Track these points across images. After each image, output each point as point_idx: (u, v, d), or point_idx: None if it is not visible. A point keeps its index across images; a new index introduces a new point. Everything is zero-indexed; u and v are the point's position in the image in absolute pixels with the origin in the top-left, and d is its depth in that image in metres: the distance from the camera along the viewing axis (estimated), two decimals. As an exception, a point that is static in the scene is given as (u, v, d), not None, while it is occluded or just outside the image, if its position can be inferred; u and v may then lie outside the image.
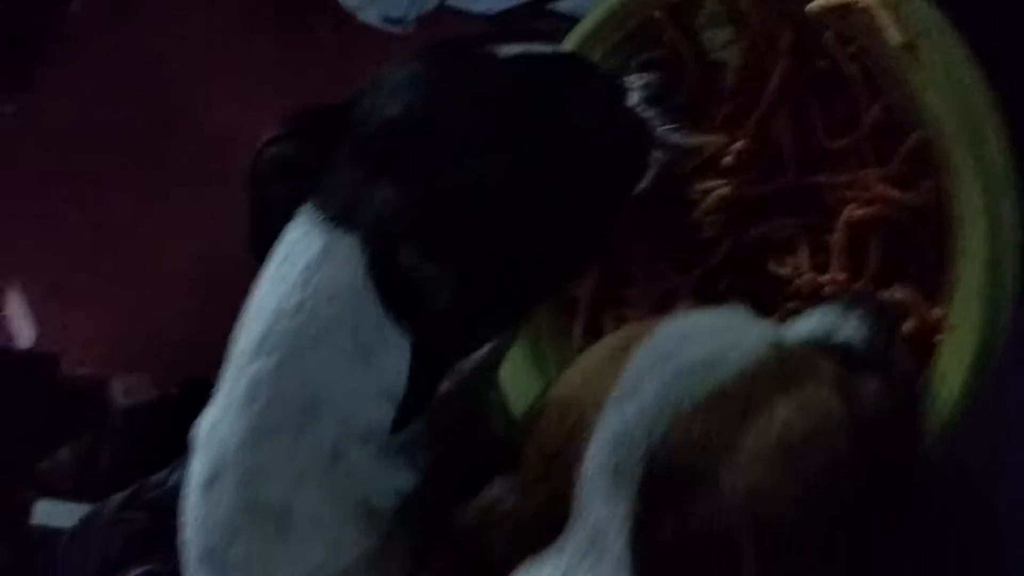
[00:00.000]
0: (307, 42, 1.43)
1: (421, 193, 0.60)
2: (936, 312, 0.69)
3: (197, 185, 1.42)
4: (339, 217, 0.61)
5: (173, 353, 1.36)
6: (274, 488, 0.60)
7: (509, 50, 0.66)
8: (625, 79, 0.74)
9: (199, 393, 1.32)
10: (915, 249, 0.71)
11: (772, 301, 0.74)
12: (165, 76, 1.45)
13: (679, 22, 0.79)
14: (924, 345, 0.69)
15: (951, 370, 0.65)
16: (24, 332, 1.55)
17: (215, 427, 0.62)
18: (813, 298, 0.73)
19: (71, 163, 1.49)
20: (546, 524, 0.53)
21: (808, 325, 0.59)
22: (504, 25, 1.32)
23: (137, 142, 1.47)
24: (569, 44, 0.83)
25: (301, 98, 1.40)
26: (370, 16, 1.22)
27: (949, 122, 0.67)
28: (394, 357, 0.59)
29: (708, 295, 0.77)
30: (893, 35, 0.67)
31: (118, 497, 1.08)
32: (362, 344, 0.60)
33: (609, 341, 0.59)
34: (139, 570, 1.00)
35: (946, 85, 0.66)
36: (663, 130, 0.72)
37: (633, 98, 0.72)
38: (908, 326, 0.70)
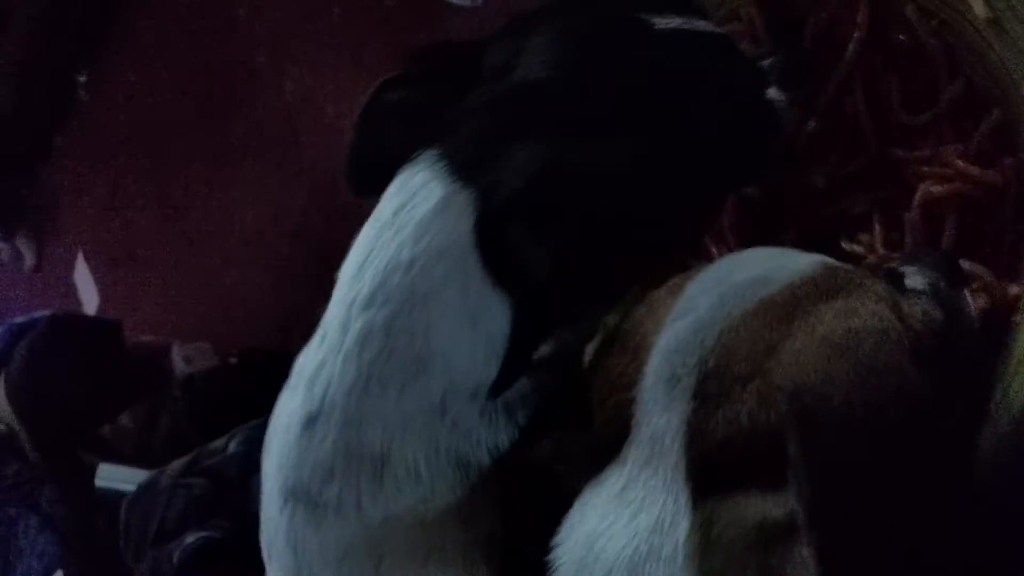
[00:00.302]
0: (376, 12, 1.43)
1: (545, 165, 0.59)
2: (1013, 289, 0.68)
3: (266, 153, 1.43)
4: (463, 169, 0.60)
5: (234, 323, 1.38)
6: (376, 434, 0.60)
7: (664, 23, 0.64)
8: (765, 62, 0.71)
9: (257, 364, 1.34)
10: (993, 227, 0.70)
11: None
12: (235, 43, 1.45)
13: (756, -4, 0.78)
14: (998, 322, 0.68)
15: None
16: (90, 298, 1.57)
17: (321, 368, 0.62)
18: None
19: (141, 131, 1.50)
20: (613, 444, 0.55)
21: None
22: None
23: (207, 110, 1.48)
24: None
25: (369, 68, 1.41)
26: (442, -10, 1.21)
27: (1034, 98, 0.65)
28: (499, 321, 0.60)
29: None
30: (979, 9, 0.66)
31: (178, 463, 1.09)
32: (470, 306, 0.60)
33: (672, 279, 0.60)
34: (197, 535, 1.02)
35: (1032, 60, 0.65)
36: (788, 102, 0.70)
37: (773, 92, 0.69)
38: (981, 301, 0.70)
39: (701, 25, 0.67)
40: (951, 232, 0.71)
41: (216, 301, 1.42)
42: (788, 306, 0.53)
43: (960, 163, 0.70)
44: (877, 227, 0.74)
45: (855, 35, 0.74)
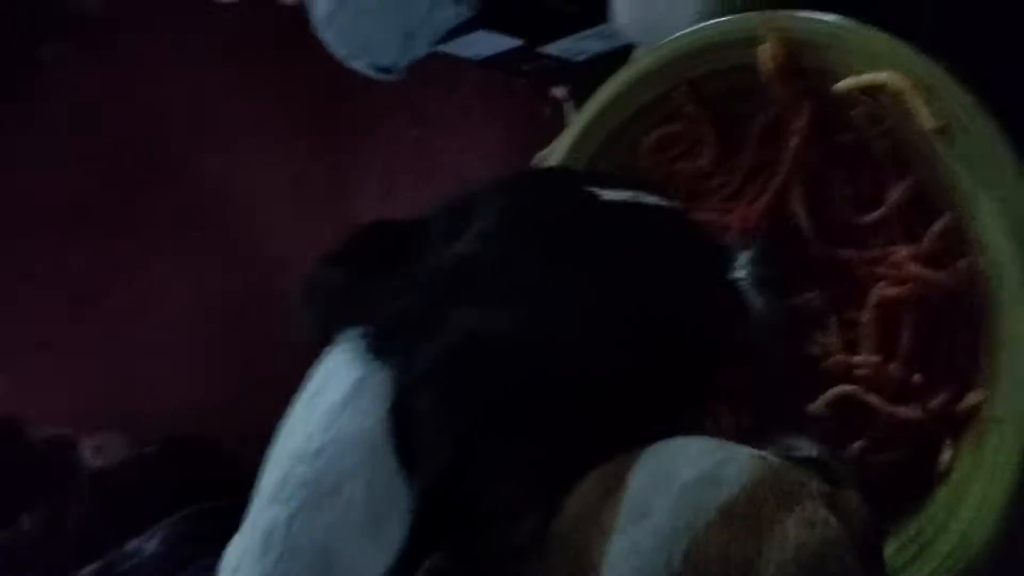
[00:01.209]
0: (292, 86, 1.41)
1: (466, 334, 0.54)
2: (972, 397, 0.68)
3: (188, 233, 1.39)
4: (382, 347, 0.56)
5: (155, 413, 1.33)
6: None
7: (613, 195, 0.62)
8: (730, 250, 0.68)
9: (176, 453, 1.29)
10: (948, 331, 0.70)
11: (803, 385, 0.73)
12: (151, 119, 1.41)
13: (699, 95, 0.77)
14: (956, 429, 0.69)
15: (999, 467, 0.64)
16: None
17: (236, 572, 0.57)
18: (845, 379, 0.72)
19: (50, 209, 1.45)
20: None
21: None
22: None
23: (121, 186, 1.43)
24: (585, 115, 0.82)
25: (292, 144, 1.39)
26: (360, 65, 1.19)
27: (985, 207, 0.66)
28: (404, 522, 0.53)
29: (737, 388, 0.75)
30: (926, 119, 0.66)
31: (88, 570, 1.04)
32: (374, 503, 0.54)
33: (595, 478, 0.55)
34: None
35: (981, 171, 0.65)
36: (763, 310, 0.66)
37: (738, 274, 0.67)
38: (935, 405, 0.70)
39: (656, 200, 0.65)
40: (908, 335, 0.71)
41: (135, 390, 1.37)
42: (749, 517, 0.50)
43: (914, 265, 0.70)
44: (834, 327, 0.74)
45: (794, 134, 0.74)
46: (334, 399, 0.55)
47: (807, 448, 0.61)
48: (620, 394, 0.58)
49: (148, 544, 1.04)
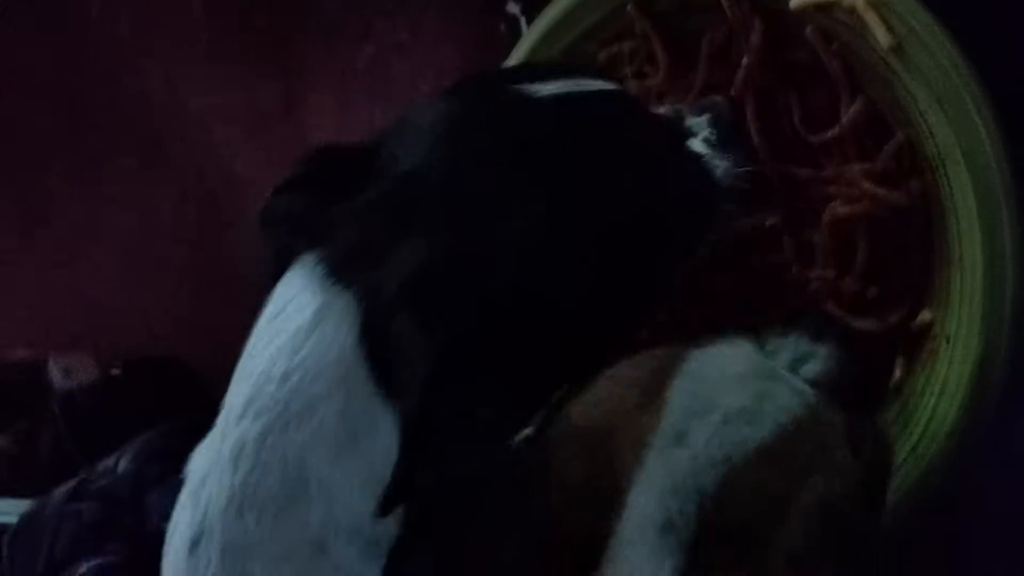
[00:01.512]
0: (239, 3, 1.37)
1: (430, 254, 0.54)
2: (926, 315, 0.69)
3: (130, 154, 1.36)
4: (341, 272, 0.55)
5: (114, 331, 1.31)
6: (257, 566, 0.55)
7: (548, 88, 0.60)
8: (687, 120, 0.66)
9: (143, 373, 1.28)
10: (902, 248, 0.70)
11: (759, 298, 0.73)
12: (89, 42, 1.37)
13: (650, 12, 0.76)
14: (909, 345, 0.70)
15: (950, 385, 0.65)
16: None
17: (204, 481, 0.57)
18: (801, 294, 0.73)
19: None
20: (570, 568, 0.51)
21: (788, 353, 0.59)
22: None
23: (61, 111, 1.39)
24: (534, 34, 0.80)
25: (233, 59, 1.35)
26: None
27: (939, 126, 0.65)
28: (384, 443, 0.54)
29: (694, 295, 0.75)
30: (881, 36, 0.65)
31: (63, 488, 1.04)
32: (350, 425, 0.54)
33: (630, 372, 0.56)
34: (91, 563, 0.97)
35: (936, 88, 0.65)
36: (728, 172, 0.65)
37: (696, 145, 0.65)
38: (892, 320, 0.71)
39: (591, 85, 0.63)
40: (863, 252, 0.71)
41: (92, 310, 1.34)
42: (785, 461, 0.51)
43: (867, 183, 0.70)
44: (790, 245, 0.74)
45: (747, 53, 0.72)
46: (298, 324, 0.55)
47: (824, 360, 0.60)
48: (594, 295, 0.58)
49: (120, 462, 1.04)
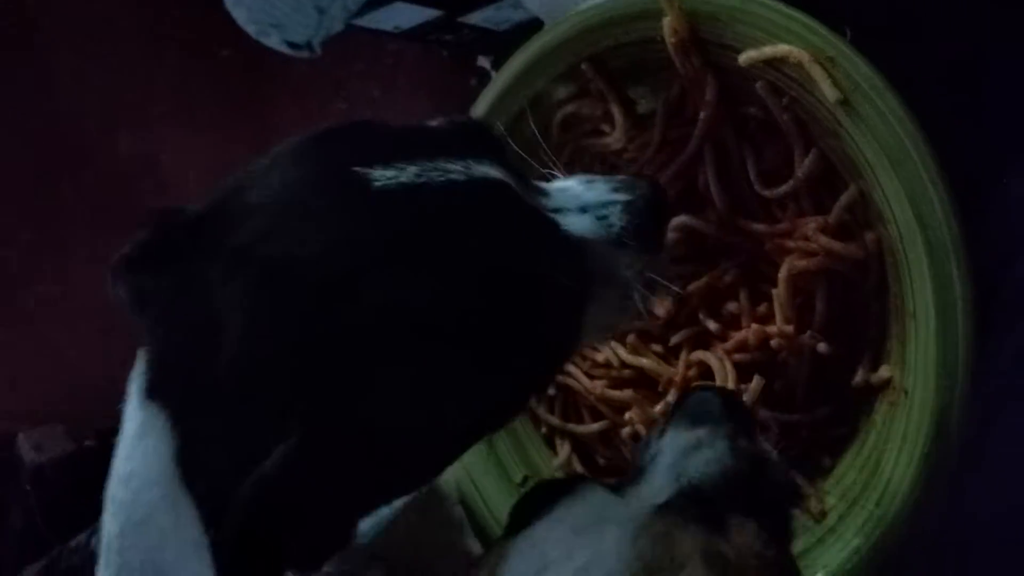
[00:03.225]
0: (210, 62, 1.37)
1: (245, 370, 0.50)
2: (884, 371, 0.68)
3: (104, 216, 1.36)
4: (155, 390, 0.52)
5: (88, 401, 1.30)
6: None
7: (400, 175, 0.52)
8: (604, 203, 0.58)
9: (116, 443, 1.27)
10: (860, 302, 0.70)
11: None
12: (59, 102, 1.37)
13: (605, 70, 0.76)
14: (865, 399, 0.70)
15: (909, 439, 0.64)
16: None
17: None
18: (761, 349, 0.72)
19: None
20: None
21: (666, 458, 0.55)
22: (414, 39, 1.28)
23: (32, 174, 1.39)
24: (491, 92, 0.81)
25: (206, 120, 1.35)
26: (272, 42, 1.16)
27: (887, 178, 0.65)
28: (207, 563, 0.50)
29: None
30: (828, 90, 0.65)
31: (33, 568, 1.02)
32: (189, 538, 0.51)
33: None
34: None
35: (883, 141, 0.65)
36: (640, 272, 0.58)
37: (604, 220, 0.58)
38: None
39: (455, 170, 0.54)
40: (821, 306, 0.70)
41: (65, 379, 1.34)
42: None
43: (822, 237, 0.70)
44: (745, 301, 0.74)
45: (704, 108, 0.73)
46: (131, 431, 0.53)
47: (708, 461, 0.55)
48: (424, 421, 0.53)
49: (93, 539, 1.03)
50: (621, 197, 0.58)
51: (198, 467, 0.51)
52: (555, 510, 0.53)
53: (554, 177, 0.62)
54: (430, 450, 0.55)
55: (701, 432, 0.55)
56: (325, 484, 0.50)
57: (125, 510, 0.53)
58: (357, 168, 0.53)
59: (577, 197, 0.59)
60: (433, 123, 0.60)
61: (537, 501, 0.54)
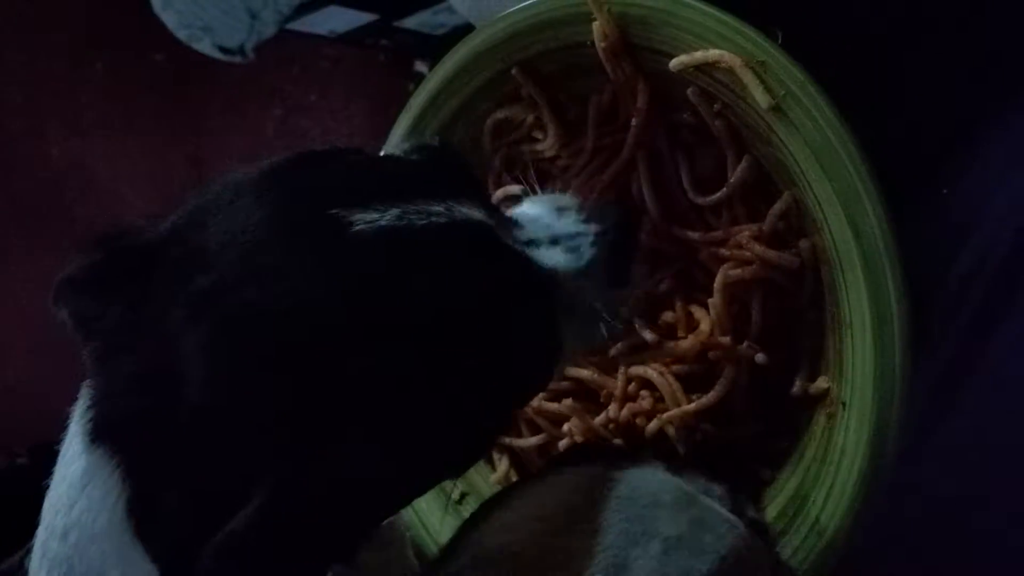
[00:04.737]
0: (143, 67, 1.34)
1: (202, 412, 0.47)
2: (822, 382, 0.67)
3: (36, 227, 1.33)
4: (103, 434, 0.49)
5: (18, 418, 1.27)
6: None
7: (378, 219, 0.49)
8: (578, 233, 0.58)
9: (52, 459, 1.24)
10: (796, 311, 0.68)
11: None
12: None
13: (536, 76, 0.74)
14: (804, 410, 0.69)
15: (848, 452, 0.63)
16: None
17: None
18: (699, 360, 0.71)
19: None
20: None
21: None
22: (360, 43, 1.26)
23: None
24: (420, 98, 0.79)
25: (141, 125, 1.33)
26: (204, 47, 1.14)
27: (820, 184, 0.63)
28: None
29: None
30: (760, 96, 0.64)
31: (-36, 592, 0.99)
32: None
33: (549, 493, 0.53)
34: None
35: (815, 148, 0.63)
36: (610, 307, 0.58)
37: (575, 251, 0.57)
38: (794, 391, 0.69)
39: (435, 216, 0.52)
40: (757, 315, 0.69)
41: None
42: None
43: (757, 246, 0.68)
44: (679, 309, 0.72)
45: (636, 115, 0.71)
46: (71, 477, 0.49)
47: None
48: (405, 450, 0.50)
49: (27, 560, 0.99)
50: (592, 228, 0.58)
51: (154, 521, 0.48)
52: (647, 467, 0.54)
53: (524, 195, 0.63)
54: (398, 494, 0.53)
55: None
56: (295, 540, 0.47)
57: (63, 565, 0.50)
58: (335, 210, 0.49)
59: (548, 227, 0.58)
60: (406, 148, 0.58)
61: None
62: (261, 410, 0.47)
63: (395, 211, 0.50)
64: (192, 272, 0.49)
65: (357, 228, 0.49)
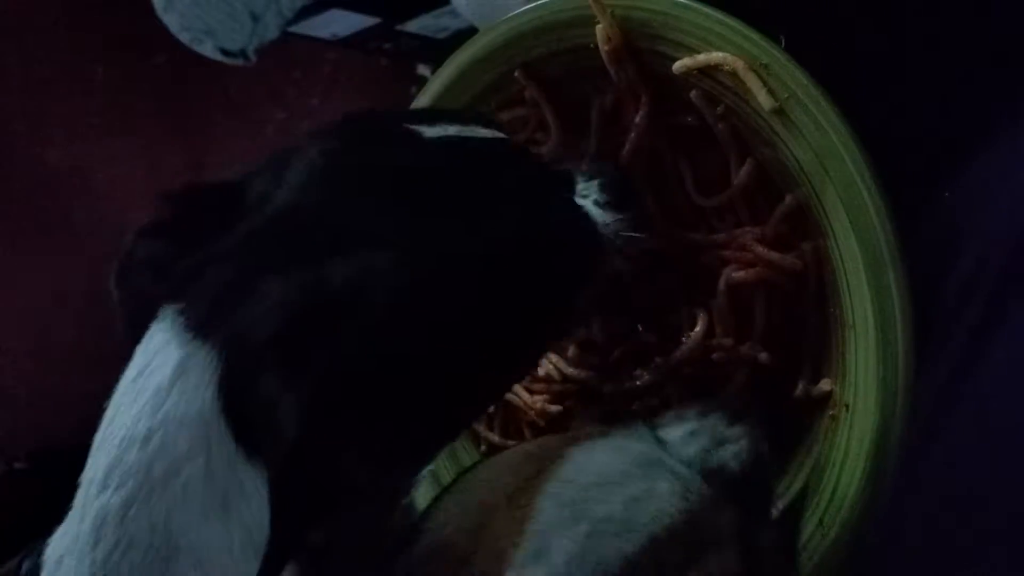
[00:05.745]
0: (143, 69, 1.34)
1: (295, 298, 0.50)
2: (825, 384, 0.67)
3: (34, 231, 1.32)
4: (202, 324, 0.51)
5: (19, 423, 1.27)
6: None
7: (434, 131, 0.58)
8: (576, 173, 0.64)
9: (50, 465, 1.24)
10: (799, 313, 0.69)
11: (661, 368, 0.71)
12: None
13: (540, 78, 0.74)
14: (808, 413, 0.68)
15: (851, 455, 0.63)
16: None
17: (60, 564, 0.54)
18: (702, 363, 0.71)
19: None
20: None
21: (703, 440, 0.56)
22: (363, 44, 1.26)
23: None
24: (423, 101, 0.79)
25: (140, 130, 1.32)
26: (206, 49, 1.13)
27: (823, 186, 0.64)
28: (256, 504, 0.50)
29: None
30: (763, 99, 0.64)
31: (-39, 597, 0.99)
32: (218, 486, 0.51)
33: (501, 474, 0.53)
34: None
35: (819, 150, 0.63)
36: (617, 232, 0.63)
37: (584, 197, 0.63)
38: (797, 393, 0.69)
39: (484, 133, 0.61)
40: (760, 317, 0.69)
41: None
42: (652, 569, 0.47)
43: (760, 248, 0.68)
44: (685, 313, 0.72)
45: (638, 117, 0.71)
46: (159, 381, 0.51)
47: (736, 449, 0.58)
48: (473, 340, 0.55)
49: (24, 563, 0.99)
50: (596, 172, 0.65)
51: (245, 399, 0.50)
52: (613, 437, 0.54)
53: None
54: (463, 381, 0.56)
55: (737, 429, 0.57)
56: (379, 411, 0.51)
57: (136, 474, 0.51)
58: (399, 127, 0.59)
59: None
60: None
61: None
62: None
63: (454, 127, 0.60)
64: (271, 198, 0.55)
65: (422, 136, 0.58)
